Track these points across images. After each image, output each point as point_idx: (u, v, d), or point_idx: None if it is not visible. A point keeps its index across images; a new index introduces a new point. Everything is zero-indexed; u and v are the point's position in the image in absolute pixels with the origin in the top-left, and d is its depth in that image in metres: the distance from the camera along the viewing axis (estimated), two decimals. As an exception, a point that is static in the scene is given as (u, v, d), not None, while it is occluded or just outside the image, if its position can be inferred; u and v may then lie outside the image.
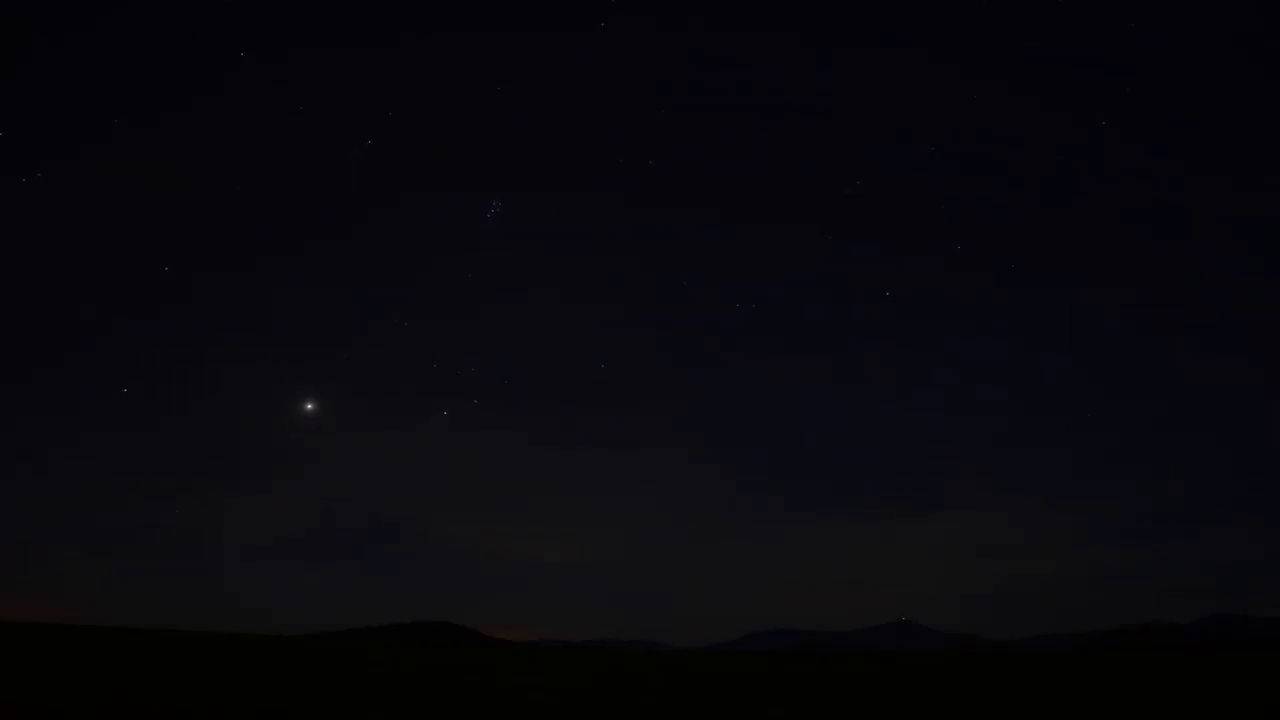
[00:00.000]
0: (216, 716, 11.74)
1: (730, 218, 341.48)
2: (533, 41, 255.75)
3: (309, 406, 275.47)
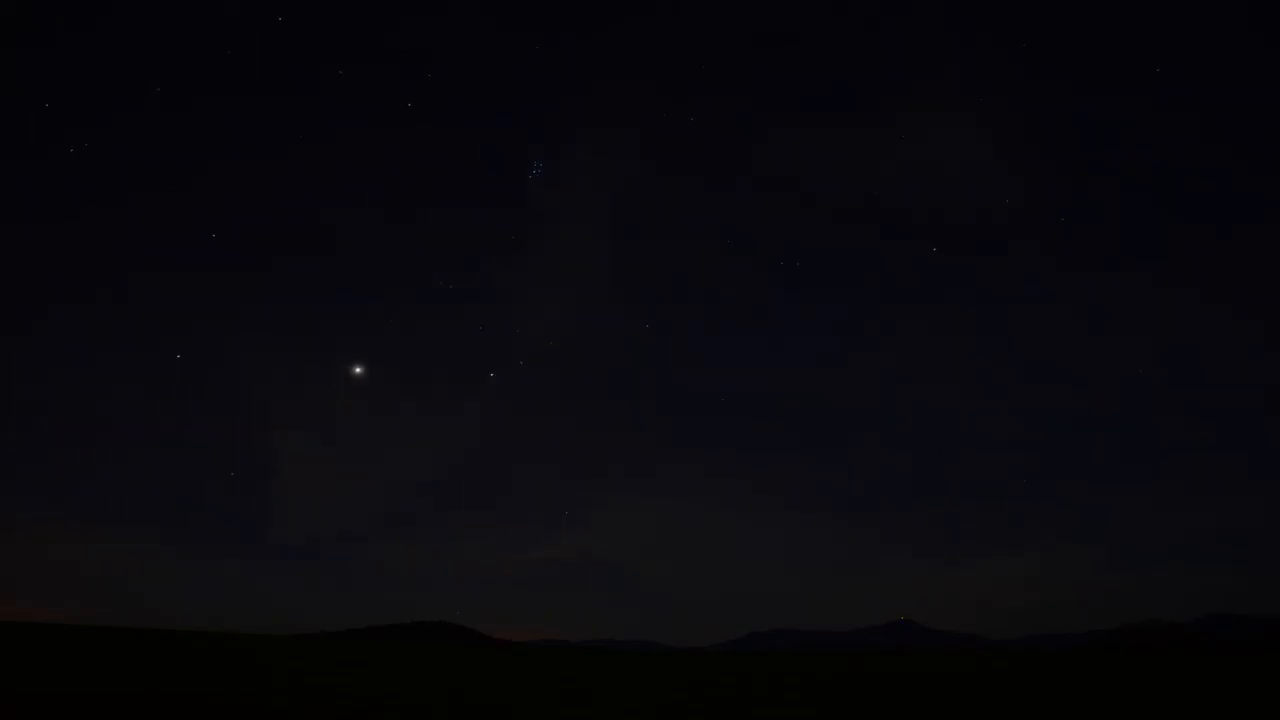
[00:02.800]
0: (215, 717, 11.73)
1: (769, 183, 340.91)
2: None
3: (357, 370, 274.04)
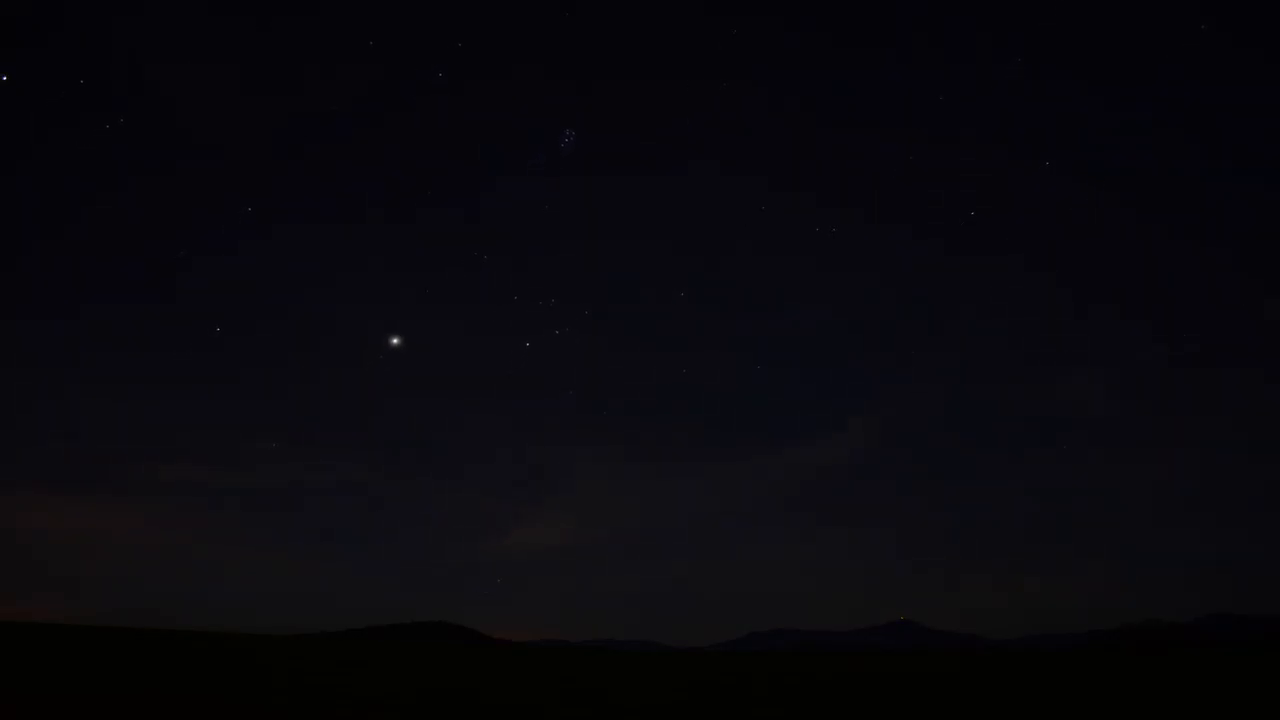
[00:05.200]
0: (215, 717, 11.73)
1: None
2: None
3: (394, 341, 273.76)
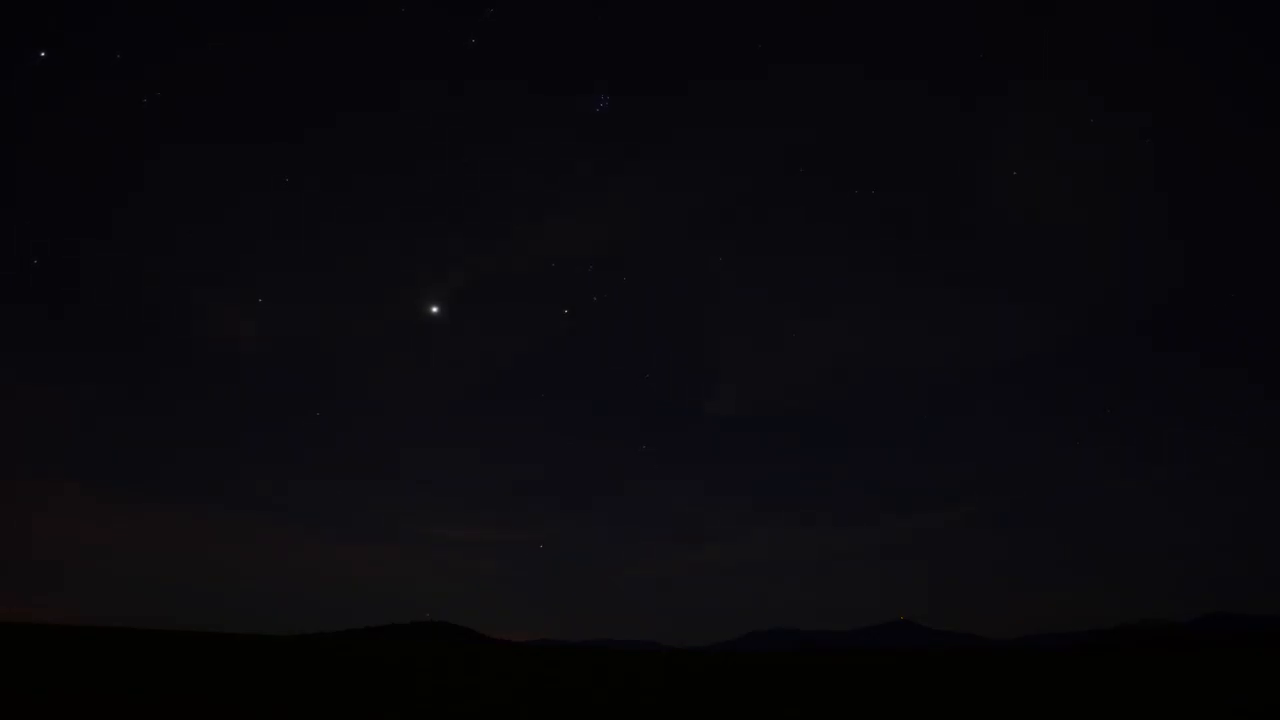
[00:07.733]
0: (215, 717, 11.73)
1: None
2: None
3: (434, 310, 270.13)
